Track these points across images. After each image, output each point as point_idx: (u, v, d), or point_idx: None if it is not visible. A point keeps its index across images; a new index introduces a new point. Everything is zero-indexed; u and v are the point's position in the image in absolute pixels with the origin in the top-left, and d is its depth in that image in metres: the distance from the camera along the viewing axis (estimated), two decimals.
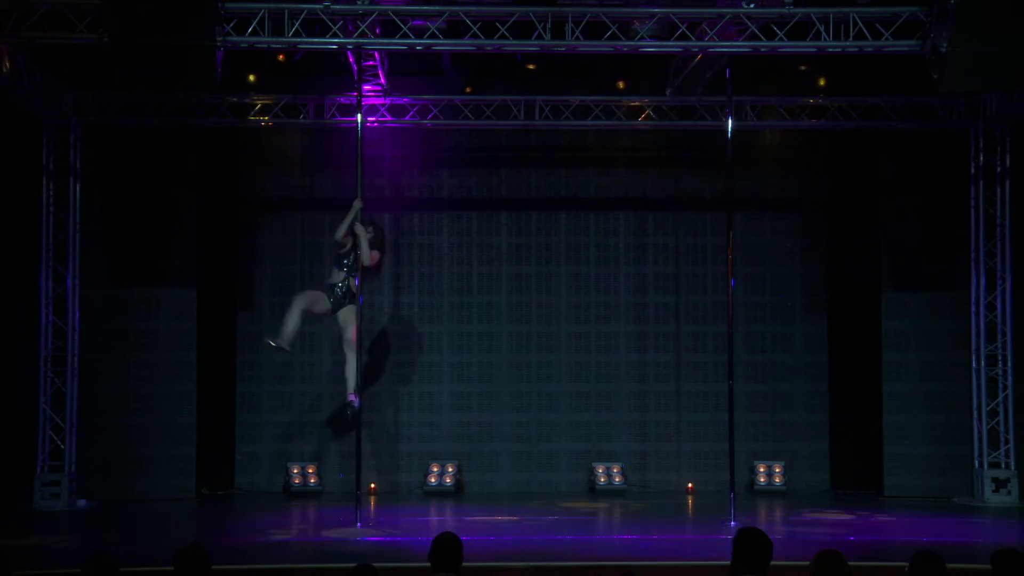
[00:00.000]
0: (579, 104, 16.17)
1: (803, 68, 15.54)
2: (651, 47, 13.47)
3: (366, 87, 14.79)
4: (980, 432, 15.95)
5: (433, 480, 16.76)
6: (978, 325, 16.06)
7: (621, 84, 16.37)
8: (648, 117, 16.24)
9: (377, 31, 12.98)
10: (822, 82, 16.45)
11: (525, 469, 17.19)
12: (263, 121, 15.98)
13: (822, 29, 12.81)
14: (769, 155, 17.37)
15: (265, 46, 12.90)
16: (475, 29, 12.86)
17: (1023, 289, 16.09)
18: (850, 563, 5.62)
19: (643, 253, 17.43)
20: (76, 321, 15.68)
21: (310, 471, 16.73)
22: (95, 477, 15.74)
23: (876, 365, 16.54)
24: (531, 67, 15.77)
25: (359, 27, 12.77)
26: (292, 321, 14.15)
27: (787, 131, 16.82)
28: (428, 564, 6.24)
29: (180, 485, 16.01)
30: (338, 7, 12.60)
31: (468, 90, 16.20)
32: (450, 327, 17.32)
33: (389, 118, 16.09)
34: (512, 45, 13.12)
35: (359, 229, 13.76)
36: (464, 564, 6.29)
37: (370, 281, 15.98)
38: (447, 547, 6.13)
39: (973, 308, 16.12)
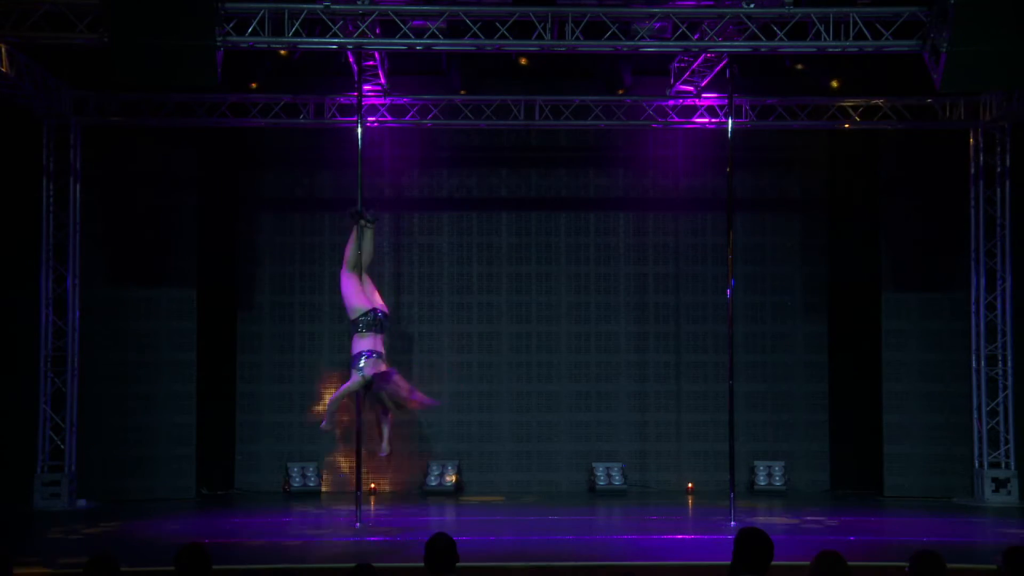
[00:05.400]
0: (579, 104, 16.17)
1: (800, 67, 15.49)
2: (651, 47, 13.48)
3: (366, 87, 14.78)
4: (980, 432, 15.95)
5: (433, 480, 16.75)
6: (978, 325, 16.06)
7: (621, 91, 16.29)
8: (648, 117, 16.25)
9: (377, 31, 12.97)
10: (835, 84, 16.26)
11: (525, 469, 17.18)
12: (263, 121, 15.98)
13: (822, 29, 12.81)
14: (769, 155, 17.36)
15: (265, 46, 12.90)
16: (475, 29, 12.86)
17: (1023, 289, 16.09)
18: (850, 563, 5.61)
19: (643, 253, 17.43)
20: (76, 321, 15.68)
21: (310, 471, 16.76)
22: (95, 477, 15.74)
23: (876, 365, 16.54)
24: (523, 61, 15.56)
25: (359, 27, 12.77)
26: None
27: (787, 131, 16.80)
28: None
29: (180, 485, 16.02)
30: (338, 7, 12.60)
31: (463, 92, 16.14)
32: (450, 327, 17.32)
33: (389, 118, 16.08)
34: (512, 45, 13.12)
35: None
36: (464, 564, 6.29)
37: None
38: (440, 549, 6.13)
39: (973, 308, 16.12)
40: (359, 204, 13.60)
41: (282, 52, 14.51)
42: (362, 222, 13.54)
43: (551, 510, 15.31)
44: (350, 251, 13.60)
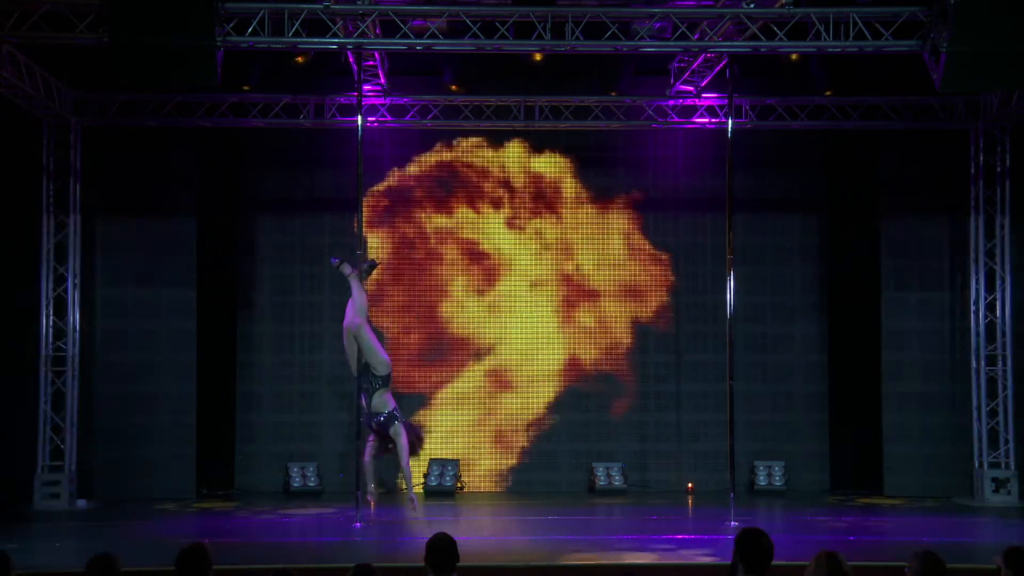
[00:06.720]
0: (579, 104, 16.16)
1: (794, 57, 15.33)
2: (651, 47, 13.48)
3: (366, 87, 14.79)
4: (980, 432, 15.95)
5: (433, 480, 16.74)
6: (978, 325, 16.06)
7: (613, 93, 16.23)
8: (648, 117, 16.25)
9: (377, 31, 12.98)
10: (829, 93, 16.20)
11: (525, 469, 17.18)
12: (263, 121, 15.98)
13: (822, 29, 12.82)
14: (769, 155, 17.34)
15: (265, 46, 12.90)
16: (475, 29, 12.86)
17: (1023, 289, 16.09)
18: (850, 563, 5.61)
19: (643, 253, 17.42)
20: (76, 321, 15.68)
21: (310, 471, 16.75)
22: (95, 477, 15.74)
23: (876, 365, 16.54)
24: (538, 57, 15.33)
25: (359, 27, 12.77)
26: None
27: (787, 131, 16.78)
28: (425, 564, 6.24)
29: (180, 485, 16.00)
30: (338, 7, 12.60)
31: (453, 87, 16.05)
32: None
33: (389, 118, 16.09)
34: (512, 45, 13.12)
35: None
36: (463, 564, 6.29)
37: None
38: (441, 548, 6.14)
39: (973, 308, 16.12)
40: (365, 252, 13.13)
41: (299, 59, 14.44)
42: (365, 267, 12.96)
43: (551, 510, 15.31)
44: (361, 300, 12.69)
